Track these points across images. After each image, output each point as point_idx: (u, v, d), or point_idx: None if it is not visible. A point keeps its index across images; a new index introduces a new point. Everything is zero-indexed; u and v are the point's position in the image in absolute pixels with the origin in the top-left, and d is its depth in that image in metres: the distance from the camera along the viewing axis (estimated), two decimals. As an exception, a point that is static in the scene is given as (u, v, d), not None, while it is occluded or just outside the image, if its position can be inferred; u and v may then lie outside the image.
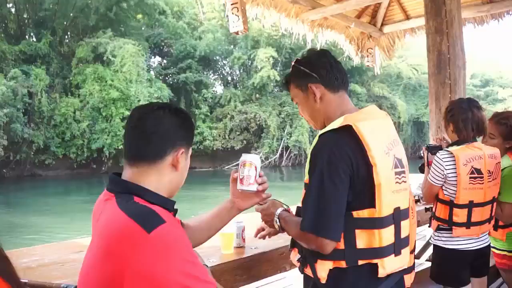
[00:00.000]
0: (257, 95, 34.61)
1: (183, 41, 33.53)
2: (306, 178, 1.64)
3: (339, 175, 1.56)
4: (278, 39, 33.79)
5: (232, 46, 36.58)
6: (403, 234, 1.70)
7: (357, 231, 1.60)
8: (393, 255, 1.64)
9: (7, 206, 17.22)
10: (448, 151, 2.72)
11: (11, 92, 23.79)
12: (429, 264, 4.81)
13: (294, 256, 1.82)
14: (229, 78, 38.34)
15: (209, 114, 33.49)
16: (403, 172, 1.73)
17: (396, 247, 1.66)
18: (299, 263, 1.78)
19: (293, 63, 1.85)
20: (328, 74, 1.77)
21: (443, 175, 2.70)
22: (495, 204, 2.79)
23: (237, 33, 4.91)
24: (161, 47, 36.03)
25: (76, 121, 27.01)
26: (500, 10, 5.78)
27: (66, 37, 30.65)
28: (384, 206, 1.60)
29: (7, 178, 25.88)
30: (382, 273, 1.62)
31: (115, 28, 30.46)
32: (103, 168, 28.51)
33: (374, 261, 1.61)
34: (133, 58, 27.36)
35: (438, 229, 2.79)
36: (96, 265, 1.19)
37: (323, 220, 1.57)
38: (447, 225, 2.72)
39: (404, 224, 1.71)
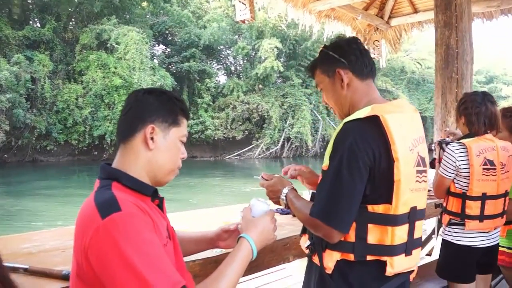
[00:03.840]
0: (260, 86, 34.49)
1: (188, 29, 33.31)
2: (325, 164, 1.60)
3: (358, 166, 1.52)
4: (283, 30, 33.64)
5: (236, 36, 36.39)
6: (416, 235, 1.67)
7: (370, 226, 1.57)
8: (403, 254, 1.62)
9: (8, 191, 17.23)
10: (460, 142, 2.70)
11: (14, 77, 23.69)
12: (430, 258, 4.80)
13: (304, 242, 1.81)
14: (233, 68, 38.22)
15: (211, 103, 33.38)
16: (425, 171, 1.69)
17: (407, 247, 1.63)
18: (307, 250, 1.76)
19: (320, 49, 1.82)
20: (358, 61, 1.72)
21: (455, 166, 2.67)
22: (507, 198, 2.77)
23: (243, 21, 4.87)
24: (165, 36, 35.85)
25: (78, 107, 26.92)
26: (510, 5, 5.73)
27: (70, 23, 30.37)
28: (401, 203, 1.56)
29: (9, 163, 25.90)
30: (390, 271, 1.60)
31: (120, 15, 30.28)
32: (105, 155, 28.47)
33: (383, 258, 1.59)
34: (137, 46, 27.18)
35: (449, 223, 2.76)
36: (74, 252, 1.26)
37: (334, 209, 1.54)
38: (459, 218, 2.70)
39: (418, 225, 1.68)
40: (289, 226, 2.44)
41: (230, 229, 1.77)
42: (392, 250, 1.58)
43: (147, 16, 34.32)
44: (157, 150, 1.38)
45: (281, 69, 32.67)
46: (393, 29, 6.87)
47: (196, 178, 20.71)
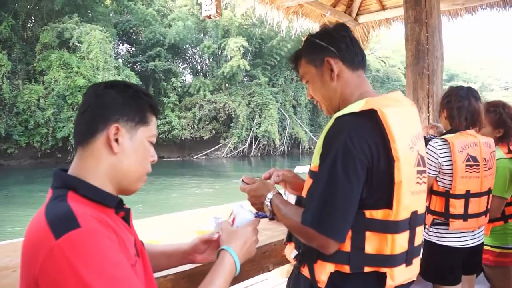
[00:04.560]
0: (227, 85, 34.36)
1: (152, 28, 32.82)
2: (314, 165, 1.45)
3: (355, 167, 1.36)
4: (249, 29, 33.61)
5: (202, 35, 36.14)
6: (416, 242, 1.52)
7: (368, 234, 1.41)
8: (404, 264, 1.47)
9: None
10: (442, 138, 2.61)
11: (-30, 78, 22.81)
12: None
13: (290, 251, 1.63)
14: (199, 67, 37.88)
15: (178, 103, 33.05)
16: (424, 171, 1.55)
17: (408, 256, 1.48)
18: (295, 261, 1.59)
19: (305, 37, 1.65)
20: (348, 49, 1.56)
21: (437, 163, 2.58)
22: (491, 195, 2.70)
23: (209, 17, 4.72)
24: (130, 34, 35.26)
25: (40, 109, 26.08)
26: (475, 3, 5.82)
27: (30, 21, 29.44)
28: (402, 208, 1.41)
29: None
30: (390, 284, 1.44)
31: (82, 13, 29.50)
32: (69, 158, 27.64)
33: (383, 269, 1.43)
34: (100, 45, 26.56)
35: (433, 224, 2.66)
36: (20, 281, 1.06)
37: (328, 216, 1.37)
38: (443, 218, 2.61)
39: (419, 231, 1.53)
40: (266, 232, 2.28)
41: (212, 238, 1.60)
42: (392, 260, 1.43)
43: (111, 14, 33.70)
44: (123, 154, 1.20)
45: (248, 67, 32.61)
46: (361, 27, 6.84)
47: (165, 179, 20.40)
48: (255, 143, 34.35)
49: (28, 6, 28.66)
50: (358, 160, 1.35)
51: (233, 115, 32.93)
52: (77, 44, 26.80)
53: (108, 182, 1.19)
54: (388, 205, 1.40)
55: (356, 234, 1.41)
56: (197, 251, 1.60)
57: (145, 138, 1.25)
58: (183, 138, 32.51)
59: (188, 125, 32.54)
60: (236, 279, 1.95)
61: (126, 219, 1.25)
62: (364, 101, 1.43)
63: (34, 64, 27.16)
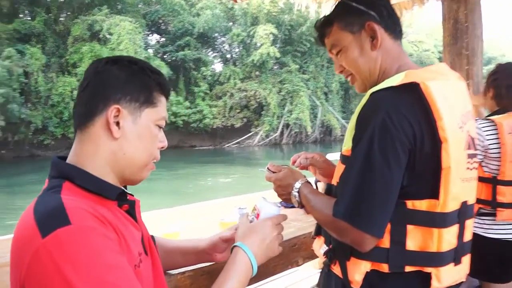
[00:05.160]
0: (257, 73, 34.17)
1: (181, 18, 32.91)
2: (346, 148, 1.27)
3: (394, 148, 1.16)
4: (278, 15, 33.31)
5: (231, 23, 36.05)
6: (466, 237, 1.32)
7: (410, 228, 1.22)
8: (452, 263, 1.27)
9: (6, 187, 16.97)
10: (488, 119, 2.38)
11: (6, 72, 23.24)
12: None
13: (319, 246, 1.45)
14: (228, 56, 37.84)
15: (208, 92, 33.15)
16: (475, 155, 1.34)
17: (457, 254, 1.28)
18: (325, 257, 1.40)
19: (338, 1, 1.44)
20: (390, 15, 1.37)
21: (482, 147, 2.35)
22: None
23: (235, 0, 4.56)
24: (159, 25, 35.39)
25: (74, 100, 25.94)
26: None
27: (61, 15, 29.94)
28: (451, 198, 1.21)
29: (6, 159, 25.63)
30: (435, 286, 1.25)
31: (111, 5, 29.80)
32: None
33: (427, 269, 1.24)
34: (130, 36, 26.84)
35: (478, 213, 2.42)
36: (10, 277, 0.92)
37: (364, 207, 1.19)
38: (490, 207, 2.38)
39: (469, 224, 1.33)
40: (296, 223, 2.11)
41: (234, 236, 1.35)
42: (439, 259, 1.24)
43: (139, 5, 33.89)
44: (125, 139, 1.04)
45: (278, 55, 32.37)
46: (394, 7, 6.58)
47: (197, 168, 20.47)
48: (286, 131, 34.15)
49: (60, 0, 29.10)
50: (398, 141, 1.17)
51: (264, 103, 32.79)
52: (107, 35, 27.15)
53: (109, 171, 1.05)
54: (434, 194, 1.21)
55: (396, 227, 1.22)
56: (217, 250, 1.43)
57: (151, 121, 1.09)
58: (214, 127, 32.61)
59: (219, 113, 32.61)
60: (262, 275, 1.82)
61: (131, 212, 1.10)
62: (404, 74, 1.24)
63: (67, 57, 27.65)
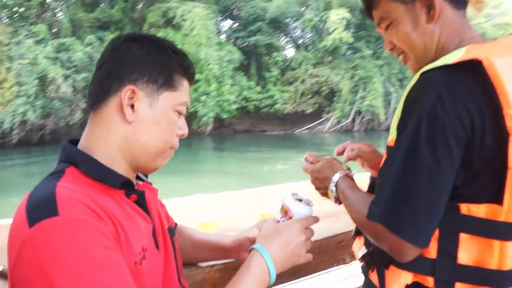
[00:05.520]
0: (329, 58, 33.54)
1: (253, 3, 32.84)
2: (391, 138, 1.07)
3: (446, 141, 0.96)
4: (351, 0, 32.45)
5: (303, 8, 35.54)
6: None
7: (463, 237, 1.01)
8: None
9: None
10: None
11: (88, 57, 24.47)
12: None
13: (358, 248, 1.30)
14: (300, 41, 37.44)
15: (280, 77, 32.98)
16: None
17: None
18: (362, 262, 1.26)
19: None
20: None
21: None
22: None
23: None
24: (231, 10, 35.58)
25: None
26: None
27: (138, 3, 30.90)
28: None
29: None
30: None
31: (185, -8, 30.39)
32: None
33: None
34: (203, 22, 27.17)
35: None
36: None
37: (405, 210, 0.99)
38: None
39: None
40: (345, 217, 1.98)
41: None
42: (500, 279, 1.01)
43: (212, -9, 34.23)
44: (139, 123, 0.96)
45: (351, 40, 31.58)
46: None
47: (267, 153, 20.53)
48: (358, 118, 33.44)
49: (137, -11, 30.08)
50: (451, 131, 0.96)
51: (335, 89, 32.23)
52: (180, 22, 27.62)
53: (120, 157, 0.97)
54: (496, 198, 0.99)
55: (446, 235, 1.02)
56: (243, 249, 1.31)
57: (170, 106, 1.00)
58: (285, 112, 32.49)
59: (290, 99, 32.42)
60: (302, 271, 1.70)
61: (141, 203, 1.02)
62: (464, 49, 1.03)
63: (142, 43, 28.49)
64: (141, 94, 0.96)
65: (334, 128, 32.71)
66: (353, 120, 33.42)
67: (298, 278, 1.73)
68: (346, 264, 1.91)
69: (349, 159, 1.50)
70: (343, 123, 32.89)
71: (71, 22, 26.62)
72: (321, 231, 1.78)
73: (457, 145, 0.97)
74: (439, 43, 1.13)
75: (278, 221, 1.17)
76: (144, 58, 0.98)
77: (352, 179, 1.29)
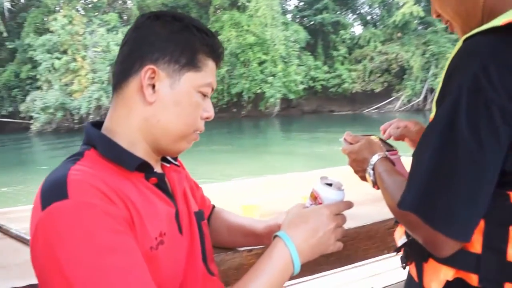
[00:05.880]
0: (399, 34, 32.41)
1: (319, -20, 32.29)
2: (432, 115, 0.94)
3: (490, 118, 0.82)
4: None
5: (371, -18, 34.51)
6: None
7: None
8: None
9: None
10: None
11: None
12: None
13: (399, 236, 1.17)
14: (369, 17, 36.43)
15: (347, 56, 32.36)
16: None
17: None
18: (401, 252, 1.13)
19: None
20: None
21: None
22: None
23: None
24: (297, -12, 35.23)
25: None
26: None
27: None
28: None
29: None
30: None
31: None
32: (243, 112, 29.37)
33: None
34: (268, 2, 27.09)
35: None
36: None
37: (441, 198, 0.85)
38: None
39: None
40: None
41: None
42: None
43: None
44: (160, 105, 0.94)
45: (422, 14, 30.22)
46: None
47: (335, 133, 20.36)
48: (430, 96, 32.15)
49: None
50: (496, 107, 0.81)
51: (406, 66, 31.13)
52: (245, 3, 27.71)
53: (141, 139, 0.95)
54: None
55: (493, 228, 0.88)
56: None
57: (192, 87, 0.96)
58: (353, 92, 31.90)
59: (358, 78, 31.80)
60: (350, 259, 1.63)
61: (162, 186, 0.99)
62: None
63: (209, 26, 28.54)
64: (162, 74, 0.93)
65: (405, 107, 31.67)
66: (425, 99, 32.16)
67: (344, 265, 1.67)
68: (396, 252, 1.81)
69: (395, 138, 1.39)
70: (414, 102, 31.77)
71: (139, 9, 27.40)
72: (370, 214, 1.71)
73: (505, 123, 0.82)
74: (485, 7, 0.97)
75: (307, 207, 1.09)
76: (166, 37, 0.94)
77: (393, 162, 1.17)
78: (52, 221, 0.75)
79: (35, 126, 23.45)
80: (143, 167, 0.94)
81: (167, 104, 0.94)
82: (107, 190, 0.82)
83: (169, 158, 1.10)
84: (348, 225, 1.60)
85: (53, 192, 0.79)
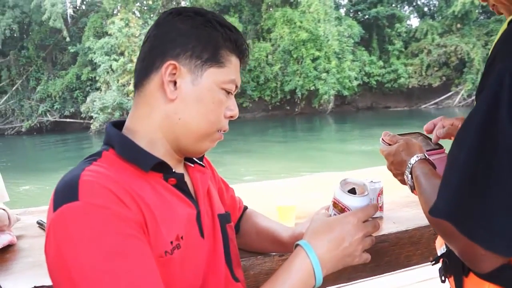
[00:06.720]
0: (458, 25, 31.17)
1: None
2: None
3: None
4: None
5: (429, -27, 33.44)
6: None
7: None
8: None
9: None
10: None
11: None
12: None
13: (440, 245, 1.08)
14: (426, 9, 35.23)
15: (403, 49, 31.47)
16: None
17: None
18: (440, 262, 1.04)
19: None
20: None
21: None
22: None
23: None
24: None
25: (268, 64, 27.93)
26: None
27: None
28: None
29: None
30: None
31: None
32: (296, 109, 29.29)
33: None
34: (320, -3, 26.81)
35: None
36: None
37: (478, 206, 0.74)
38: None
39: None
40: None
41: None
42: None
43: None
44: (181, 102, 0.91)
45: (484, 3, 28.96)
46: None
47: (391, 129, 19.88)
48: (493, 90, 30.85)
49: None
50: None
51: (466, 59, 29.91)
52: (298, -1, 27.51)
53: (162, 137, 0.93)
54: None
55: None
56: None
57: (215, 84, 0.93)
58: (410, 87, 31.00)
59: (415, 72, 30.86)
60: (390, 266, 1.52)
61: (181, 187, 0.94)
62: None
63: (261, 23, 29.03)
64: (184, 70, 0.92)
65: (465, 102, 30.42)
66: (487, 92, 30.88)
67: (384, 273, 1.57)
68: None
69: (439, 138, 1.27)
70: (474, 97, 30.49)
71: (193, 9, 27.93)
72: (414, 218, 1.61)
73: None
74: None
75: (330, 215, 1.01)
76: (188, 32, 0.92)
77: (434, 164, 1.07)
78: (62, 223, 0.75)
79: (94, 126, 24.38)
80: (161, 167, 0.91)
81: (188, 101, 0.92)
82: (120, 192, 0.80)
83: (194, 158, 1.07)
84: (389, 229, 1.52)
85: (65, 193, 0.78)
